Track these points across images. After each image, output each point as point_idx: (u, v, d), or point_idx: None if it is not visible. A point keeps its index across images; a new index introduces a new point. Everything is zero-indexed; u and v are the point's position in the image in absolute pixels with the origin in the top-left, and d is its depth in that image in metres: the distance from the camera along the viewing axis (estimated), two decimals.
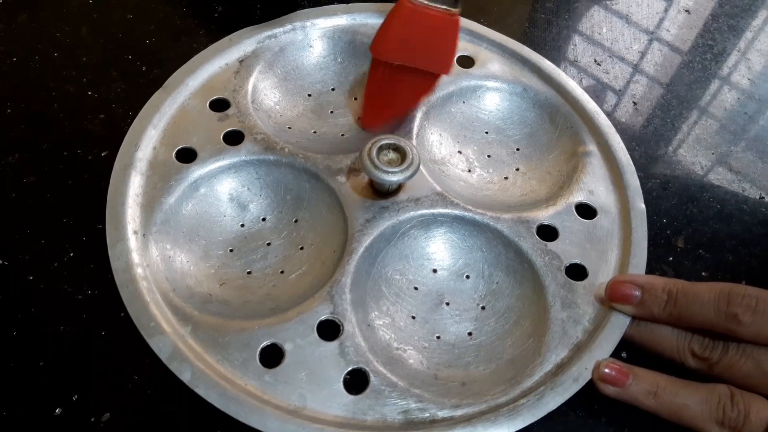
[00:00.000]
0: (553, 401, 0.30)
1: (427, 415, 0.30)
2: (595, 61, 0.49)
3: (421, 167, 0.38)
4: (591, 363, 0.32)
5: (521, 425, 0.30)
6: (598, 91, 0.46)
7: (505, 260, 0.36)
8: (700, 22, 0.53)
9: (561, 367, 0.32)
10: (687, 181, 0.42)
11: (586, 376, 0.31)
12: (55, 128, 0.32)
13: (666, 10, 0.54)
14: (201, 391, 0.29)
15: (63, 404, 0.28)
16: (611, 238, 0.37)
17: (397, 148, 0.35)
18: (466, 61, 0.44)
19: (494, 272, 0.36)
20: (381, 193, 0.37)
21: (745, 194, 0.42)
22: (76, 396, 0.28)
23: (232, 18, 0.43)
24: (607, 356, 0.32)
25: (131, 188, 0.35)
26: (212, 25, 0.38)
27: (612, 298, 0.33)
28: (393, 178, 0.34)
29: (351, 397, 0.30)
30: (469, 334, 0.34)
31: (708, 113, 0.47)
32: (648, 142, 0.44)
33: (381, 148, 0.35)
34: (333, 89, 0.44)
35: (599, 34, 0.51)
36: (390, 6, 0.36)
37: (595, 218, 0.37)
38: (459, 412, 0.30)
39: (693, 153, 0.44)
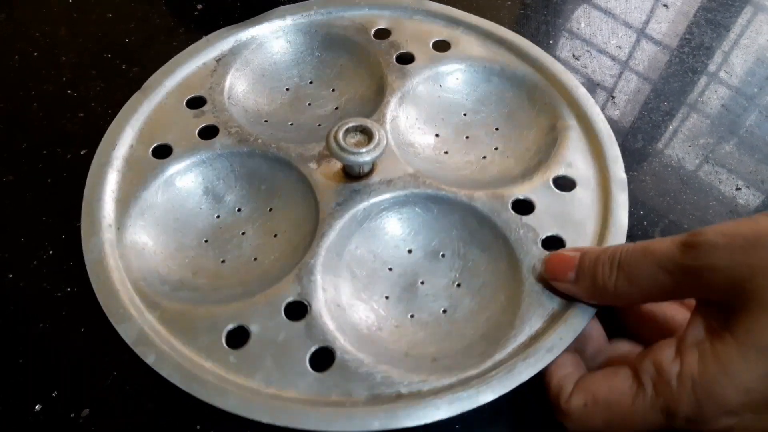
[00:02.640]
0: (525, 372, 0.29)
1: (393, 390, 0.29)
2: (573, 55, 0.48)
3: (395, 150, 0.38)
4: (567, 333, 0.30)
5: (491, 397, 0.28)
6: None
7: (480, 237, 0.35)
8: (680, 16, 0.51)
9: (534, 338, 0.31)
10: (664, 174, 0.41)
11: (561, 346, 0.30)
12: (34, 127, 0.33)
13: (651, 9, 0.52)
14: (165, 372, 0.29)
15: (42, 401, 0.28)
16: (590, 209, 0.35)
17: (363, 130, 0.35)
18: (443, 46, 0.44)
19: (470, 249, 0.35)
20: (353, 176, 0.37)
21: (721, 186, 0.40)
22: (55, 392, 0.28)
23: (212, 16, 0.43)
24: (581, 327, 0.31)
25: (108, 185, 0.36)
26: (191, 24, 0.39)
27: (548, 273, 0.32)
28: (360, 159, 0.34)
29: (316, 374, 0.30)
30: (444, 311, 0.34)
31: (687, 106, 0.45)
32: (626, 134, 0.43)
33: (347, 131, 0.35)
34: (311, 82, 0.45)
35: (577, 28, 0.50)
36: None
37: (574, 190, 0.36)
38: (426, 387, 0.29)
39: (671, 145, 0.43)
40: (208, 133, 0.39)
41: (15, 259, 0.31)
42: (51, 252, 0.30)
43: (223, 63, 0.43)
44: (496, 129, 0.42)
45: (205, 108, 0.40)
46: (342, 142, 0.34)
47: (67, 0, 0.38)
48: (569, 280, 0.30)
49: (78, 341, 0.28)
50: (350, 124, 0.35)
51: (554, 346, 0.30)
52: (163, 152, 0.38)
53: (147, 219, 0.36)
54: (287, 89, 0.44)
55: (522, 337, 0.31)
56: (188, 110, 0.40)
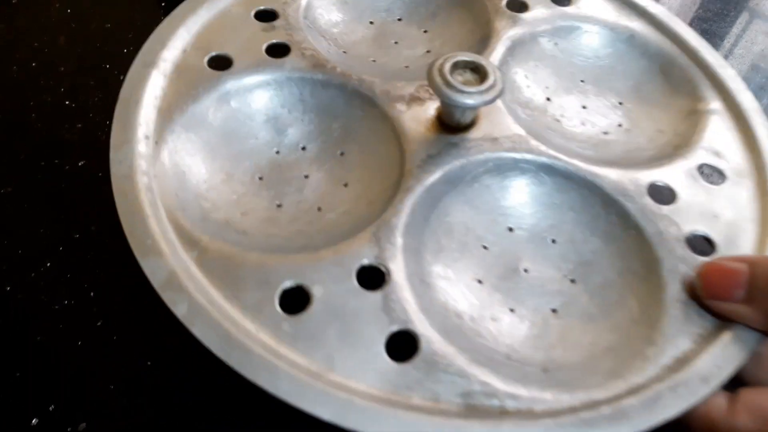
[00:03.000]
0: (673, 405, 0.22)
1: (496, 402, 0.22)
2: None
3: (501, 105, 0.31)
4: (726, 362, 0.23)
5: (630, 431, 0.21)
6: None
7: (605, 224, 0.28)
8: None
9: (683, 362, 0.23)
10: None
11: (719, 377, 0.23)
12: (32, 138, 0.32)
13: None
14: (197, 330, 0.22)
15: (39, 415, 0.26)
16: (745, 208, 0.28)
17: (476, 68, 0.28)
18: (564, 0, 0.37)
19: (589, 238, 0.28)
20: (450, 127, 0.30)
21: None
22: (52, 406, 0.26)
23: None
24: (747, 352, 0.23)
25: (149, 89, 0.29)
26: None
27: (706, 291, 0.24)
28: (469, 100, 0.27)
29: (394, 364, 0.22)
30: (553, 310, 0.26)
31: None
32: None
33: (455, 66, 0.28)
34: (399, 19, 0.37)
35: None
36: None
37: (724, 183, 0.29)
38: (540, 406, 0.22)
39: None
40: (278, 51, 0.32)
41: (13, 271, 0.29)
42: (48, 264, 0.28)
43: None
44: (620, 103, 0.34)
45: (276, 23, 0.33)
46: (449, 77, 0.27)
47: (66, 10, 0.38)
48: (736, 299, 0.23)
49: (75, 354, 0.27)
50: (460, 58, 0.28)
51: (710, 376, 0.23)
52: (221, 64, 0.31)
53: (192, 138, 0.29)
54: (371, 22, 0.37)
55: (665, 358, 0.24)
56: (257, 22, 0.33)
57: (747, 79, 0.41)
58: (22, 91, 0.34)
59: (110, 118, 0.31)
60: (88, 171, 0.31)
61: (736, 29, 0.50)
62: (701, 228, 0.27)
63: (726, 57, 0.46)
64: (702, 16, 0.50)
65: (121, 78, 0.32)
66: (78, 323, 0.27)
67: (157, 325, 0.27)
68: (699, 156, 0.30)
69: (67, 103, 0.33)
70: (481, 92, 0.27)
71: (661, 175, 0.29)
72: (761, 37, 0.49)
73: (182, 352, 0.27)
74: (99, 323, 0.27)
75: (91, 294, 0.28)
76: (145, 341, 0.27)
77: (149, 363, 0.26)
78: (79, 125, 0.32)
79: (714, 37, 0.48)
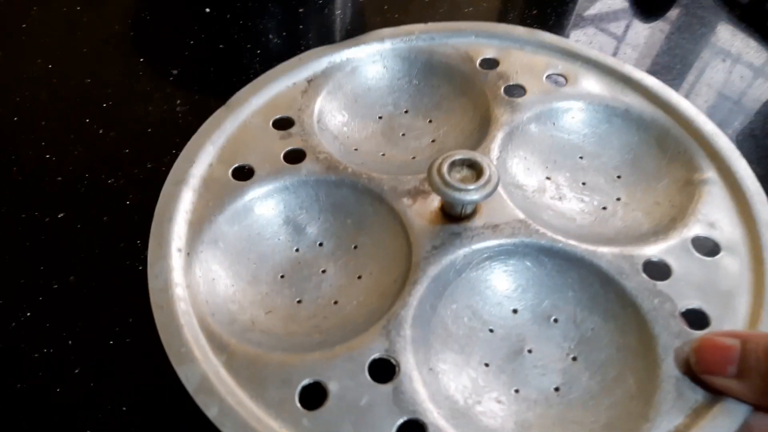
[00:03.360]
0: None
1: None
2: None
3: (501, 191, 0.33)
4: None
5: None
6: None
7: (604, 302, 0.30)
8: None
9: None
10: None
11: None
12: (13, 191, 0.33)
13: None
14: (228, 430, 0.25)
15: None
16: (739, 282, 0.29)
17: (472, 165, 0.31)
18: (558, 80, 0.39)
19: (589, 316, 0.30)
20: (453, 217, 0.32)
21: None
22: None
23: (187, 81, 0.41)
24: (737, 423, 0.24)
25: (181, 204, 0.33)
26: (167, 89, 0.38)
27: (700, 367, 0.26)
28: (467, 197, 0.29)
29: None
30: (556, 389, 0.28)
31: None
32: None
33: (453, 165, 0.31)
34: (406, 111, 0.41)
35: None
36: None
37: (718, 256, 0.30)
38: None
39: None
40: (295, 157, 0.35)
41: None
42: (29, 314, 0.29)
43: (314, 84, 0.39)
44: (618, 177, 0.36)
45: (292, 130, 0.37)
46: (446, 176, 0.30)
47: (47, 66, 0.39)
48: (729, 375, 0.24)
49: (54, 401, 0.27)
50: (457, 157, 0.31)
51: None
52: (244, 174, 0.34)
53: (220, 246, 0.32)
54: (380, 117, 0.40)
55: None
56: (275, 131, 0.37)
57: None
58: (4, 146, 0.35)
59: (89, 171, 0.33)
60: (67, 223, 0.31)
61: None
62: (695, 302, 0.29)
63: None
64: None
65: (101, 132, 0.34)
66: (57, 371, 0.27)
67: (132, 372, 0.28)
68: (694, 228, 0.32)
69: (47, 156, 0.34)
70: (477, 188, 0.30)
71: (656, 250, 0.31)
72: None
73: (156, 398, 0.27)
74: (77, 371, 0.27)
75: (69, 342, 0.28)
76: (121, 388, 0.27)
77: (124, 408, 0.27)
78: (59, 178, 0.33)
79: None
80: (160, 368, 0.25)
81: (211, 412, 0.25)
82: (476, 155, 0.31)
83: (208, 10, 0.41)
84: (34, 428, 0.27)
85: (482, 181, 0.30)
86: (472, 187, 0.30)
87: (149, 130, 0.35)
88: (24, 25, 0.41)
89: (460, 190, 0.30)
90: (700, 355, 0.26)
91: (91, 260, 0.30)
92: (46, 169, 0.34)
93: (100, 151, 0.31)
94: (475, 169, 0.31)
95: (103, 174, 0.33)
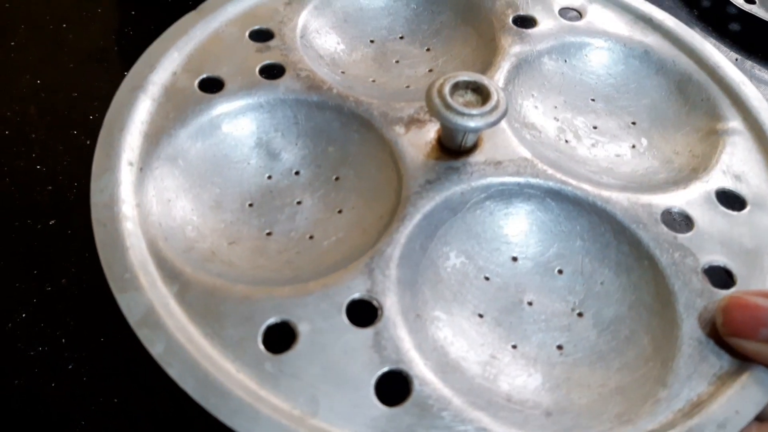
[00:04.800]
0: None
1: None
2: None
3: (506, 126, 0.29)
4: (745, 405, 0.21)
5: None
6: None
7: (616, 254, 0.26)
8: None
9: (698, 406, 0.21)
10: None
11: (737, 424, 0.21)
12: (6, 201, 0.35)
13: None
14: (174, 371, 0.21)
15: None
16: (767, 237, 0.26)
17: (477, 88, 0.27)
18: (572, 14, 0.35)
19: (598, 269, 0.26)
20: (451, 151, 0.28)
21: None
22: None
23: None
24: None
25: (136, 114, 0.28)
26: None
27: (728, 328, 0.22)
28: (470, 122, 0.25)
29: (384, 409, 0.21)
30: (559, 347, 0.25)
31: None
32: None
33: (456, 87, 0.26)
34: (401, 37, 0.36)
35: None
36: None
37: (746, 210, 0.27)
38: None
39: None
40: (272, 72, 0.31)
41: None
42: (24, 315, 0.31)
43: None
44: (633, 123, 0.32)
45: (271, 43, 0.32)
46: (448, 99, 0.26)
47: (36, 81, 0.41)
48: (761, 338, 0.21)
49: (50, 395, 0.29)
50: (461, 78, 0.26)
51: (727, 422, 0.21)
52: (212, 86, 0.30)
53: (180, 165, 0.27)
54: (372, 41, 0.36)
55: (679, 402, 0.22)
56: (251, 43, 0.32)
57: None
58: None
59: (78, 180, 0.36)
60: (57, 229, 0.34)
61: None
62: (720, 258, 0.25)
63: None
64: None
65: (88, 143, 0.36)
66: (51, 367, 0.29)
67: (123, 366, 0.29)
68: (717, 180, 0.28)
69: (38, 167, 0.36)
70: (483, 114, 0.26)
71: (676, 200, 0.27)
72: None
73: (147, 390, 0.28)
74: (70, 366, 0.29)
75: (63, 341, 0.30)
76: (112, 381, 0.29)
77: (116, 400, 0.28)
78: (50, 187, 0.35)
79: None
80: (150, 362, 0.25)
81: (156, 349, 0.21)
82: (483, 78, 0.27)
83: None
84: (32, 421, 0.28)
85: (488, 106, 0.26)
86: (476, 112, 0.26)
87: None
88: (12, 43, 0.43)
89: (462, 114, 0.25)
90: (728, 316, 0.22)
91: (82, 263, 0.32)
92: (37, 180, 0.36)
93: (88, 160, 0.31)
94: (481, 94, 0.27)
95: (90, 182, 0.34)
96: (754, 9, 0.46)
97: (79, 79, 0.41)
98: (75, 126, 0.38)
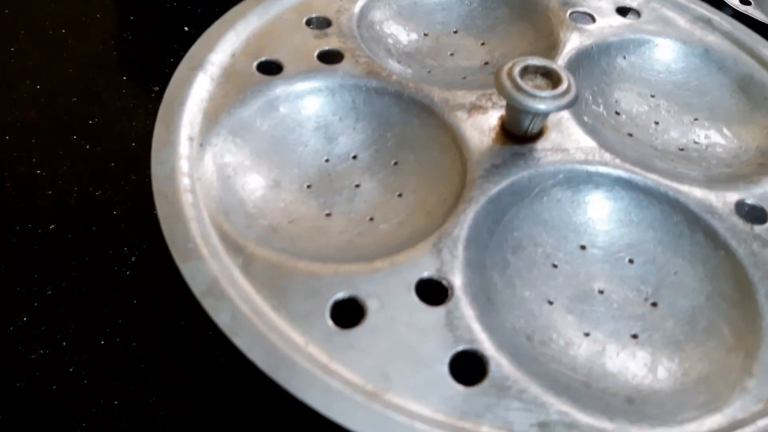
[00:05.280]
0: None
1: None
2: None
3: (570, 115, 0.29)
4: None
5: None
6: None
7: (690, 244, 0.25)
8: None
9: None
10: None
11: None
12: (7, 205, 0.35)
13: None
14: (241, 341, 0.20)
15: None
16: None
17: (547, 73, 0.26)
18: (630, 12, 0.35)
19: (672, 259, 0.25)
20: (516, 137, 0.27)
21: None
22: None
23: None
24: None
25: (196, 91, 0.27)
26: (149, 105, 0.39)
27: None
28: (542, 105, 0.25)
29: (460, 387, 0.20)
30: (634, 336, 0.23)
31: None
32: None
33: (525, 70, 0.26)
34: (455, 32, 0.36)
35: None
36: None
37: None
38: None
39: None
40: (331, 58, 0.30)
41: None
42: (25, 319, 0.31)
43: None
44: (695, 119, 0.32)
45: (329, 30, 0.32)
46: (519, 80, 0.25)
47: (36, 87, 0.41)
48: None
49: (50, 398, 0.29)
50: (531, 62, 0.26)
51: None
52: (271, 69, 0.29)
53: (239, 142, 0.27)
54: (425, 34, 0.35)
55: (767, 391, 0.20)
56: (308, 29, 0.32)
57: None
58: None
59: (77, 185, 0.35)
60: (58, 233, 0.34)
61: None
62: None
63: None
64: None
65: (88, 147, 0.36)
66: (52, 370, 0.29)
67: (123, 368, 0.29)
68: None
69: (38, 172, 0.36)
70: (554, 97, 0.25)
71: (749, 192, 0.26)
72: None
73: (147, 392, 0.28)
74: (71, 369, 0.29)
75: (63, 344, 0.30)
76: (113, 384, 0.29)
77: (116, 402, 0.28)
78: (50, 192, 0.35)
79: None
80: (147, 366, 0.28)
81: (222, 319, 0.20)
82: (553, 63, 0.26)
83: (186, 29, 0.43)
84: (33, 423, 0.28)
85: (560, 90, 0.25)
86: (547, 95, 0.25)
87: (133, 144, 0.37)
88: (12, 49, 0.43)
89: (534, 96, 0.25)
90: None
91: (82, 267, 0.32)
92: (38, 184, 0.36)
93: (88, 165, 0.33)
94: (551, 79, 0.26)
95: (90, 187, 0.35)
96: (749, 10, 0.45)
97: (79, 84, 0.42)
98: (75, 131, 0.38)
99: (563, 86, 0.25)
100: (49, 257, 0.33)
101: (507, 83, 0.25)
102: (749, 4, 0.46)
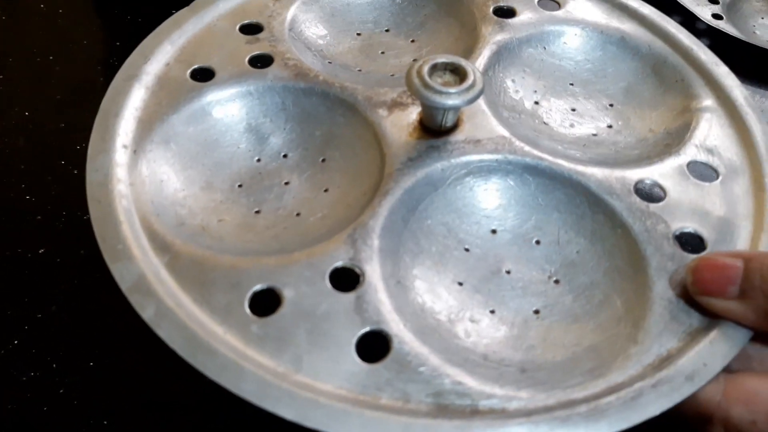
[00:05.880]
0: (655, 403, 0.21)
1: (468, 401, 0.21)
2: None
3: (486, 107, 0.31)
4: (713, 359, 0.22)
5: (607, 431, 0.20)
6: None
7: (591, 224, 0.27)
8: None
9: (667, 360, 0.22)
10: None
11: (705, 375, 0.22)
12: None
13: None
14: (163, 332, 0.22)
15: None
16: (738, 204, 0.27)
17: (455, 69, 0.28)
18: (551, 5, 0.37)
19: (574, 238, 0.27)
20: (432, 131, 0.29)
21: None
22: None
23: None
24: (736, 349, 0.22)
25: (131, 101, 0.29)
26: None
27: (698, 287, 0.23)
28: (448, 100, 0.27)
29: (364, 365, 0.22)
30: (536, 312, 0.25)
31: None
32: None
33: (434, 68, 0.28)
34: (387, 30, 0.37)
35: None
36: None
37: (717, 180, 0.28)
38: (513, 405, 0.21)
39: None
40: (261, 61, 0.32)
41: None
42: (16, 342, 0.32)
43: None
44: (611, 105, 0.34)
45: (260, 35, 0.33)
46: (427, 78, 0.27)
47: (24, 113, 0.42)
48: (729, 296, 0.22)
49: (41, 420, 0.30)
50: (439, 60, 0.28)
51: (696, 374, 0.22)
52: (204, 76, 0.31)
53: (172, 148, 0.29)
54: (358, 34, 0.37)
55: (649, 357, 0.22)
56: (241, 35, 0.33)
57: None
58: None
59: (65, 209, 0.37)
60: (47, 257, 0.35)
61: None
62: (691, 225, 0.26)
63: None
64: None
65: (76, 172, 0.37)
66: (43, 392, 0.30)
67: (113, 390, 0.30)
68: (690, 153, 0.29)
69: (27, 197, 0.37)
70: (460, 92, 0.27)
71: (649, 173, 0.28)
72: None
73: (136, 413, 0.29)
74: (61, 391, 0.30)
75: (54, 366, 0.31)
76: (102, 404, 0.30)
77: (105, 423, 0.29)
78: (39, 217, 0.36)
79: None
80: (136, 387, 0.29)
81: (147, 313, 0.22)
82: (460, 59, 0.28)
83: None
84: None
85: (465, 85, 0.27)
86: (454, 90, 0.27)
87: None
88: (1, 76, 0.44)
89: (441, 93, 0.27)
90: (697, 275, 0.23)
91: (71, 290, 0.33)
92: (27, 209, 0.37)
93: (75, 190, 0.32)
94: (459, 74, 0.28)
95: (78, 211, 0.35)
96: (721, 24, 0.47)
97: (67, 110, 0.42)
98: (63, 156, 0.39)
99: (469, 81, 0.27)
100: (39, 281, 0.34)
101: (416, 81, 0.27)
102: (721, 18, 0.47)
